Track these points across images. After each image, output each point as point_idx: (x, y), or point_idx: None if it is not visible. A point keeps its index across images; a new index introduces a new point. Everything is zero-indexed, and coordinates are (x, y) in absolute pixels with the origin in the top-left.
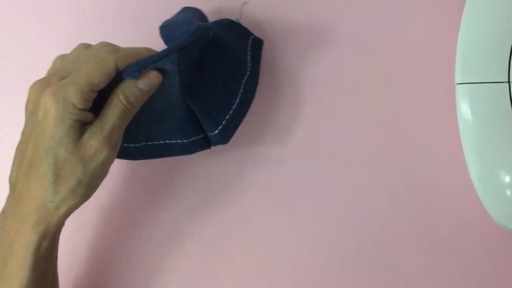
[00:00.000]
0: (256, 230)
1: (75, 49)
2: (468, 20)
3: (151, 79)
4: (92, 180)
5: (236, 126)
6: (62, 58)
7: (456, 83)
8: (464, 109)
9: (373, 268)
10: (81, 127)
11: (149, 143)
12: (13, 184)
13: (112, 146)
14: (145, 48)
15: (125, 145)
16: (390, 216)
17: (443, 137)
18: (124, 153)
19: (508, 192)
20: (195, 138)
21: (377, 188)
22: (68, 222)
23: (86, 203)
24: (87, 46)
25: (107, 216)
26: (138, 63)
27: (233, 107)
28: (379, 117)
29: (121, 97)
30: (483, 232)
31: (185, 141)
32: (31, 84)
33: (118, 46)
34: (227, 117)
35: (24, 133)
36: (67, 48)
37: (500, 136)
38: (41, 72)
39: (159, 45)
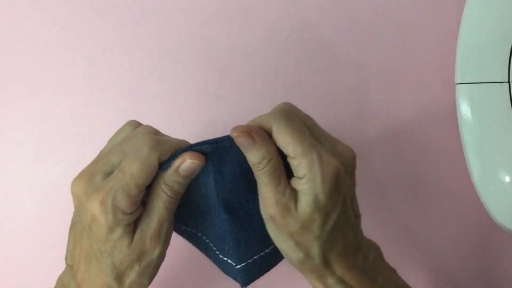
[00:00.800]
0: None
1: (121, 131)
2: (468, 20)
3: (191, 163)
4: (152, 271)
5: (261, 272)
6: (109, 142)
7: (456, 83)
8: (464, 109)
9: None
10: (133, 225)
11: (199, 234)
12: (72, 268)
13: (163, 239)
14: (184, 140)
15: (176, 225)
16: (390, 216)
17: (443, 137)
18: (178, 231)
19: (508, 192)
20: (243, 264)
21: (377, 188)
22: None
23: None
24: (132, 126)
25: None
26: (175, 157)
27: (266, 250)
28: (379, 117)
29: (164, 187)
30: (483, 232)
31: (219, 255)
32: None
33: (159, 137)
34: (255, 257)
35: (75, 222)
36: (67, 48)
37: (500, 136)
38: (41, 71)
39: (158, 45)
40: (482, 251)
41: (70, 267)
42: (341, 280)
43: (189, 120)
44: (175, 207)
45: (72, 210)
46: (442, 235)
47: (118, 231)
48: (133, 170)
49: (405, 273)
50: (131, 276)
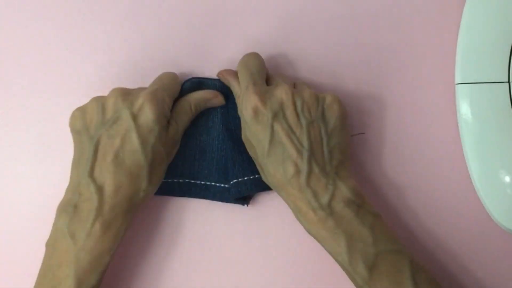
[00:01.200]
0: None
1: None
2: (468, 20)
3: (219, 102)
4: (165, 169)
5: (248, 190)
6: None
7: (456, 83)
8: (464, 109)
9: None
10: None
11: (192, 181)
12: (95, 179)
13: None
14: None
15: (169, 180)
16: (389, 216)
17: (443, 137)
18: (170, 189)
19: (508, 192)
20: (235, 181)
21: (376, 187)
22: None
23: None
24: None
25: None
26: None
27: (256, 175)
28: (379, 117)
29: (193, 107)
30: (483, 232)
31: (223, 185)
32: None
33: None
34: (245, 178)
35: (94, 136)
36: (67, 48)
37: (500, 136)
38: (41, 72)
39: (157, 43)
40: (482, 251)
41: (94, 181)
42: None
43: None
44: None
45: None
46: (441, 235)
47: (163, 123)
48: (170, 79)
49: None
50: (159, 173)
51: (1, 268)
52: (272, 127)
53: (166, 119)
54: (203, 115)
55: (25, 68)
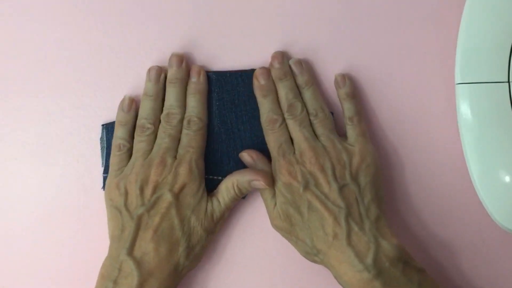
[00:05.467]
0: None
1: (140, 131)
2: (468, 20)
3: (261, 185)
4: (207, 246)
5: None
6: (141, 141)
7: (456, 83)
8: (464, 109)
9: None
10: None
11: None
12: (135, 258)
13: (223, 222)
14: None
15: None
16: (389, 215)
17: (443, 137)
18: None
19: (508, 192)
20: (215, 177)
21: None
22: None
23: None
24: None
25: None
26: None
27: None
28: (379, 117)
29: (236, 188)
30: (483, 232)
31: (219, 178)
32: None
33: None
34: None
35: (144, 215)
36: (67, 47)
37: (500, 136)
38: (41, 72)
39: (157, 43)
40: (482, 251)
41: (134, 258)
42: None
43: None
44: (238, 200)
45: (72, 210)
46: (442, 235)
47: (201, 192)
48: (199, 142)
49: None
50: (196, 249)
51: (1, 268)
52: (306, 197)
53: (205, 196)
54: None
55: (25, 68)
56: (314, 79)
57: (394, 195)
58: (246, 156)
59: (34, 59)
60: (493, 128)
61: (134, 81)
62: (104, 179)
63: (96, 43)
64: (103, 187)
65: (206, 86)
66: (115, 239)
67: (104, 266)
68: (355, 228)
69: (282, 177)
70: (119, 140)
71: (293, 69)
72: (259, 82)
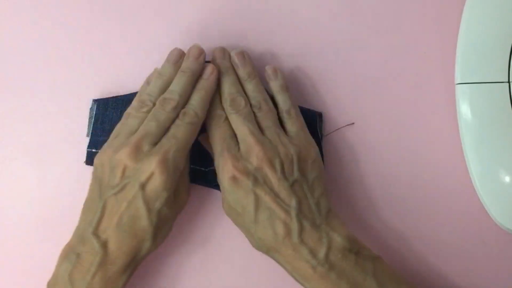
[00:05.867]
0: None
1: (139, 105)
2: (468, 20)
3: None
4: (172, 225)
5: None
6: (135, 117)
7: (456, 83)
8: (464, 109)
9: None
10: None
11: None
12: (99, 236)
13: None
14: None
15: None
16: (390, 216)
17: (443, 137)
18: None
19: (508, 192)
20: (212, 168)
21: (377, 188)
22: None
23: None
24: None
25: None
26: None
27: None
28: (379, 117)
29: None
30: (483, 232)
31: (202, 168)
32: (113, 150)
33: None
34: None
35: (104, 194)
36: (67, 48)
37: (500, 136)
38: (41, 72)
39: (156, 43)
40: (482, 251)
41: (98, 238)
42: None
43: None
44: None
45: (72, 210)
46: (441, 235)
47: (172, 188)
48: (185, 133)
49: (404, 273)
50: (165, 233)
51: (1, 268)
52: (254, 193)
53: (176, 183)
54: None
55: (25, 68)
56: (257, 72)
57: (394, 195)
58: (203, 139)
59: (34, 59)
60: (493, 128)
61: (135, 81)
62: (88, 153)
63: (97, 44)
64: (86, 161)
65: (215, 86)
66: (85, 210)
67: (72, 235)
68: (307, 225)
69: (228, 173)
70: (145, 96)
71: (235, 61)
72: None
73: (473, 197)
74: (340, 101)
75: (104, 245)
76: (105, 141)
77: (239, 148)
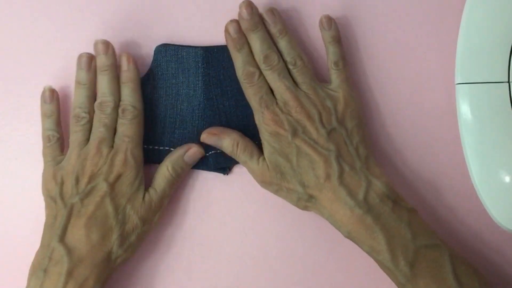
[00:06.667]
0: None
1: (76, 120)
2: (468, 20)
3: (195, 152)
4: (144, 236)
5: (228, 161)
6: (77, 131)
7: (456, 83)
8: (464, 109)
9: (373, 268)
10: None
11: (172, 149)
12: (66, 244)
13: (161, 209)
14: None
15: (150, 147)
16: None
17: (443, 137)
18: (150, 157)
19: (508, 192)
20: (213, 152)
21: None
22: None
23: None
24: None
25: None
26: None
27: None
28: (379, 117)
29: (170, 169)
30: (483, 232)
31: (207, 154)
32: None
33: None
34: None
35: (77, 203)
36: (67, 47)
37: (500, 136)
38: (41, 72)
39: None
40: (482, 251)
41: (64, 245)
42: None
43: None
44: (177, 184)
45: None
46: (442, 235)
47: (137, 182)
48: (135, 130)
49: None
50: (131, 238)
51: (1, 268)
52: (295, 144)
53: (142, 185)
54: (184, 83)
55: (25, 68)
56: (288, 28)
57: None
58: (206, 136)
59: (34, 59)
60: (493, 128)
61: None
62: None
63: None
64: None
65: (138, 73)
66: (47, 227)
67: (35, 256)
68: (346, 168)
69: (268, 128)
70: (47, 132)
71: (265, 19)
72: (230, 36)
73: (473, 197)
74: None
75: (71, 252)
76: None
77: (276, 103)
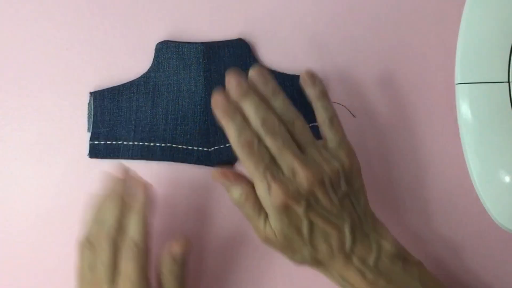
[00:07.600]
0: None
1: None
2: (468, 20)
3: (176, 249)
4: None
5: (228, 157)
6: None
7: (456, 83)
8: (464, 109)
9: None
10: None
11: (173, 145)
12: None
13: None
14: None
15: (151, 144)
16: (390, 215)
17: (443, 137)
18: (152, 153)
19: (508, 192)
20: (216, 147)
21: (376, 188)
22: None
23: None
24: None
25: None
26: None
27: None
28: (379, 117)
29: (167, 272)
30: (483, 232)
31: (205, 149)
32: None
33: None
34: (227, 144)
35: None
36: (66, 47)
37: (500, 136)
38: (41, 72)
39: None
40: (482, 251)
41: None
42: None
43: None
44: (183, 279)
45: (72, 210)
46: (442, 235)
47: None
48: (138, 270)
49: None
50: None
51: (1, 268)
52: (308, 218)
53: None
54: (186, 80)
55: (25, 68)
56: (280, 87)
57: (394, 195)
58: (219, 176)
59: (35, 59)
60: (493, 128)
61: (133, 76)
62: (90, 146)
63: (98, 44)
64: (89, 153)
65: (150, 205)
66: None
67: None
68: (358, 235)
69: (277, 201)
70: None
71: (255, 80)
72: (219, 107)
73: (473, 197)
74: (340, 101)
75: None
76: (106, 132)
77: (282, 172)
